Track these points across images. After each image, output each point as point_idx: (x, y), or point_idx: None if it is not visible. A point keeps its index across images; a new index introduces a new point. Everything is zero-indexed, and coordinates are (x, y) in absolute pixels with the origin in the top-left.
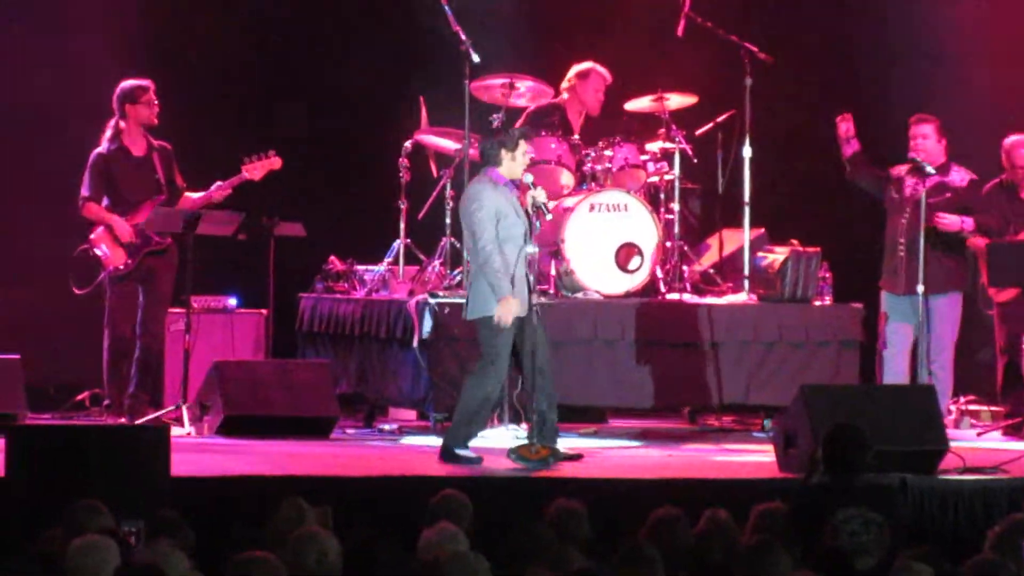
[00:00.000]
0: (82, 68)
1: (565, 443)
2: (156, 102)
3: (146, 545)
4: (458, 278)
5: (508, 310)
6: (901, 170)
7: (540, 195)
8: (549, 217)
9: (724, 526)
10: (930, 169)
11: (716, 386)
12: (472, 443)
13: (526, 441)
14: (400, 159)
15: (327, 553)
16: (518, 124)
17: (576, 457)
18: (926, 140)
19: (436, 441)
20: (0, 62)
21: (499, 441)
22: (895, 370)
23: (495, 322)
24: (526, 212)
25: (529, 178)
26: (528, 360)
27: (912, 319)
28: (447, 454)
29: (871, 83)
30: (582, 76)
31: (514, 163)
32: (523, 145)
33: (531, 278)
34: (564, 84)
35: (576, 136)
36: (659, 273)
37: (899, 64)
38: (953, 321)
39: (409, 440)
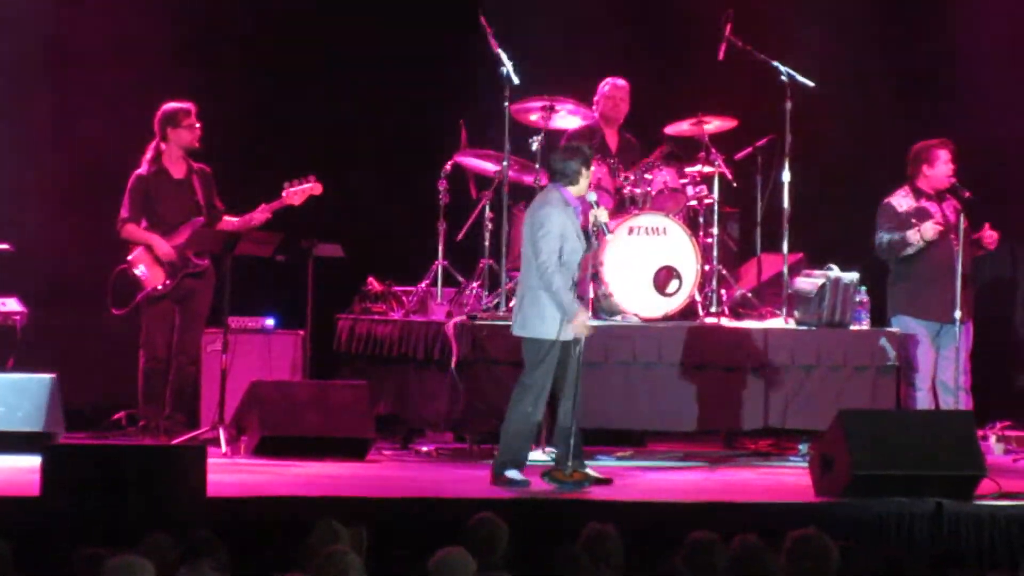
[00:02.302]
0: (122, 91)
1: (602, 466)
2: (198, 125)
3: (184, 565)
4: (496, 300)
5: (583, 323)
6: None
7: (602, 215)
8: (609, 237)
9: (756, 551)
10: (966, 195)
11: (753, 410)
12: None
13: (557, 463)
14: (439, 181)
15: (347, 572)
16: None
17: (607, 481)
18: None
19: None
20: (45, 81)
21: (536, 463)
22: (926, 396)
23: (575, 335)
24: (586, 233)
25: (593, 196)
26: (568, 384)
27: (939, 345)
28: (496, 476)
29: (910, 108)
30: (601, 92)
31: (586, 181)
32: (592, 165)
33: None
34: (594, 107)
35: (614, 157)
36: (697, 297)
37: (935, 89)
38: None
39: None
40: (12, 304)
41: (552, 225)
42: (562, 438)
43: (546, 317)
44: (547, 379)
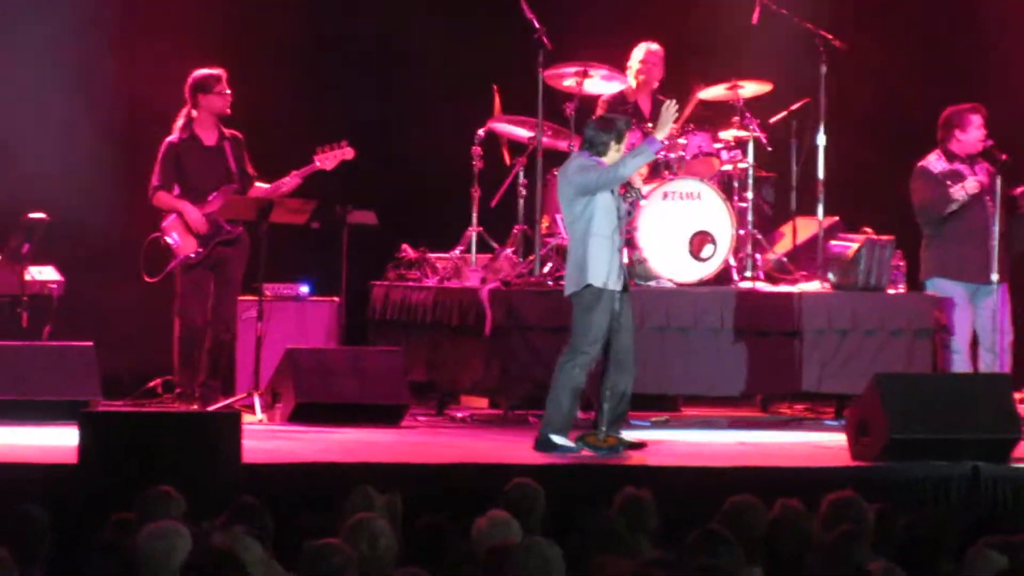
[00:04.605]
0: (152, 57)
1: (637, 431)
2: (229, 91)
3: (221, 531)
4: (530, 266)
5: (666, 123)
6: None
7: (637, 181)
8: (643, 203)
9: (797, 515)
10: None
11: (789, 374)
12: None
13: (592, 429)
14: (473, 147)
15: (378, 538)
16: (596, 116)
17: (640, 446)
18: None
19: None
20: (82, 51)
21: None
22: (963, 359)
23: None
24: (623, 198)
25: None
26: (622, 349)
27: (977, 306)
28: (542, 442)
29: (945, 70)
30: (636, 57)
31: (617, 155)
32: (627, 137)
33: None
34: (628, 72)
35: (649, 123)
36: (732, 261)
37: (970, 50)
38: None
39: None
40: (49, 272)
41: (589, 164)
42: (603, 402)
43: (593, 265)
44: (598, 341)
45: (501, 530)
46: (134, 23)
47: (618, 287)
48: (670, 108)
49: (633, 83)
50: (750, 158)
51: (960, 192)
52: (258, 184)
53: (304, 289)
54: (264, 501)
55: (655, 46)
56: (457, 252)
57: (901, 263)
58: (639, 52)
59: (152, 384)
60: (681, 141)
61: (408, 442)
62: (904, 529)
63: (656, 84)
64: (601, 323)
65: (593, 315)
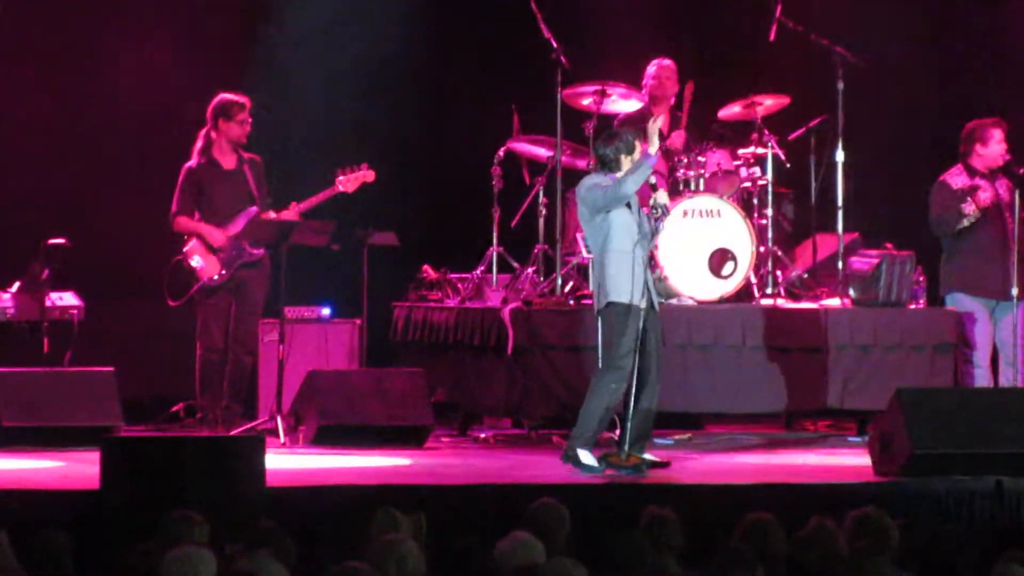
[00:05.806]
0: (175, 79)
1: (660, 449)
2: (250, 120)
3: (245, 555)
4: (551, 285)
5: (652, 131)
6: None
7: (662, 196)
8: (668, 218)
9: (827, 533)
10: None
11: (811, 391)
12: None
13: (616, 448)
14: (493, 167)
15: (405, 559)
16: None
17: (664, 464)
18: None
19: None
20: (102, 74)
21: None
22: (984, 374)
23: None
24: (648, 216)
25: (651, 179)
26: (649, 367)
27: (997, 321)
28: (569, 457)
29: (964, 86)
30: (648, 73)
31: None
32: (638, 147)
33: (649, 278)
34: (644, 90)
35: (666, 138)
36: (753, 278)
37: (987, 68)
38: None
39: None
40: (69, 298)
41: (598, 182)
42: (625, 421)
43: (612, 282)
44: (629, 354)
45: (524, 551)
46: (157, 44)
47: (643, 303)
48: (654, 123)
49: (649, 100)
50: (769, 175)
51: (970, 207)
52: (294, 204)
53: (326, 311)
54: (288, 524)
55: (667, 61)
56: (478, 272)
57: (921, 278)
58: (652, 68)
59: (174, 409)
60: (700, 159)
61: (432, 463)
62: (928, 544)
63: (672, 99)
64: (628, 338)
65: (619, 331)
